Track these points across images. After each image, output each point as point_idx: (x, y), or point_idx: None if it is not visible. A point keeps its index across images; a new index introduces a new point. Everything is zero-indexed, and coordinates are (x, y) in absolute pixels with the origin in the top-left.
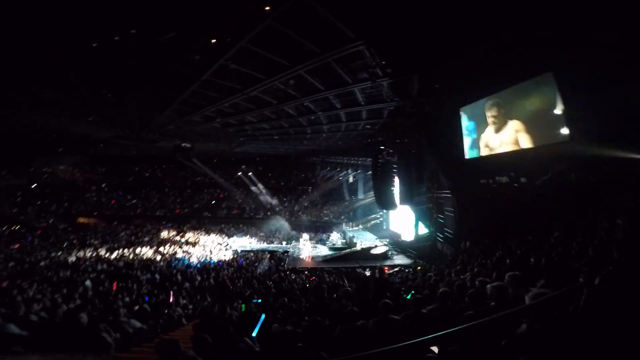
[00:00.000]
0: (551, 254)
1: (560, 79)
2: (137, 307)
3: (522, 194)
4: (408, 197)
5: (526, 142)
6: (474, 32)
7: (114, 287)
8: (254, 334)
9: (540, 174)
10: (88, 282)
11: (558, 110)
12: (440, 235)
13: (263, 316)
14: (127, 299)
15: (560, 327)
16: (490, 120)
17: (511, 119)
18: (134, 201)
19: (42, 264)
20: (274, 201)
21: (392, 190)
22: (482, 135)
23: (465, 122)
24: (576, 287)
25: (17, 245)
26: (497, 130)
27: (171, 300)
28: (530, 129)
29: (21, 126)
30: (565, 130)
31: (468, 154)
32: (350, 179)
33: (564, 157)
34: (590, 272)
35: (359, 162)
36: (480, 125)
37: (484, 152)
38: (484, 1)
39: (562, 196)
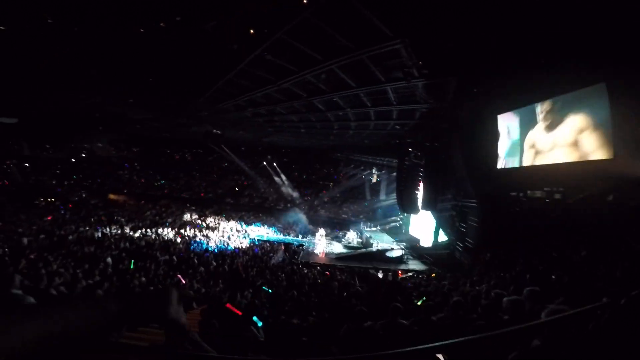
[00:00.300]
0: (575, 272)
1: (613, 91)
2: (152, 288)
3: (554, 211)
4: (431, 202)
5: (571, 154)
6: (519, 36)
7: (132, 265)
8: (259, 324)
9: (576, 192)
10: (109, 259)
11: (607, 125)
12: (460, 245)
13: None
14: (143, 279)
15: (575, 345)
16: (540, 120)
17: (554, 128)
18: (162, 182)
19: (70, 237)
20: (295, 193)
21: (416, 194)
22: (526, 140)
23: (504, 129)
24: (598, 307)
25: (49, 217)
26: (548, 131)
27: (183, 282)
28: (572, 142)
29: (67, 105)
30: (610, 147)
31: (503, 163)
32: (374, 179)
33: (605, 176)
34: (616, 293)
35: (384, 162)
36: (521, 133)
37: (522, 162)
38: (532, 6)
39: (597, 217)
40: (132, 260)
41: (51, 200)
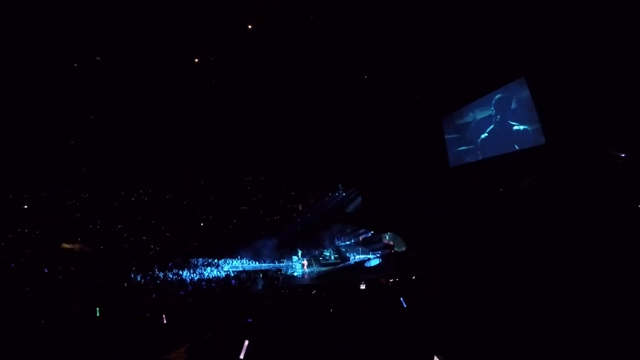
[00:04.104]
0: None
1: (532, 83)
2: (128, 330)
3: (509, 198)
4: (397, 208)
5: (509, 146)
6: (448, 37)
7: (98, 313)
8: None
9: (524, 177)
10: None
11: (534, 114)
12: (429, 244)
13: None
14: (117, 323)
15: None
16: (473, 125)
17: (492, 123)
18: (120, 226)
19: (27, 289)
20: (265, 220)
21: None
22: (466, 141)
23: (448, 131)
24: None
25: None
26: (481, 134)
27: (164, 322)
28: (510, 133)
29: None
30: (541, 133)
31: (452, 162)
32: (341, 194)
33: (545, 159)
34: None
35: (350, 177)
36: (464, 132)
37: (469, 158)
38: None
39: (548, 197)
40: (97, 308)
41: None
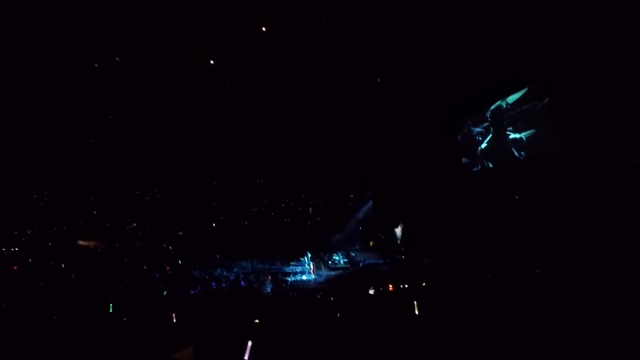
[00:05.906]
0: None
1: (549, 87)
2: (137, 328)
3: (524, 205)
4: (408, 212)
5: (524, 153)
6: (465, 35)
7: (111, 309)
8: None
9: (540, 185)
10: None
11: (550, 118)
12: (441, 250)
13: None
14: (127, 320)
15: None
16: (488, 130)
17: (508, 129)
18: (134, 224)
19: (41, 284)
20: (276, 223)
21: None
22: (480, 147)
23: (463, 135)
24: None
25: (15, 267)
26: (496, 140)
27: (174, 320)
28: (526, 139)
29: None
30: (557, 139)
31: (474, 167)
32: (351, 196)
33: (562, 167)
34: None
35: (359, 178)
36: (479, 137)
37: (484, 164)
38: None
39: (565, 205)
40: (111, 304)
41: (15, 250)
